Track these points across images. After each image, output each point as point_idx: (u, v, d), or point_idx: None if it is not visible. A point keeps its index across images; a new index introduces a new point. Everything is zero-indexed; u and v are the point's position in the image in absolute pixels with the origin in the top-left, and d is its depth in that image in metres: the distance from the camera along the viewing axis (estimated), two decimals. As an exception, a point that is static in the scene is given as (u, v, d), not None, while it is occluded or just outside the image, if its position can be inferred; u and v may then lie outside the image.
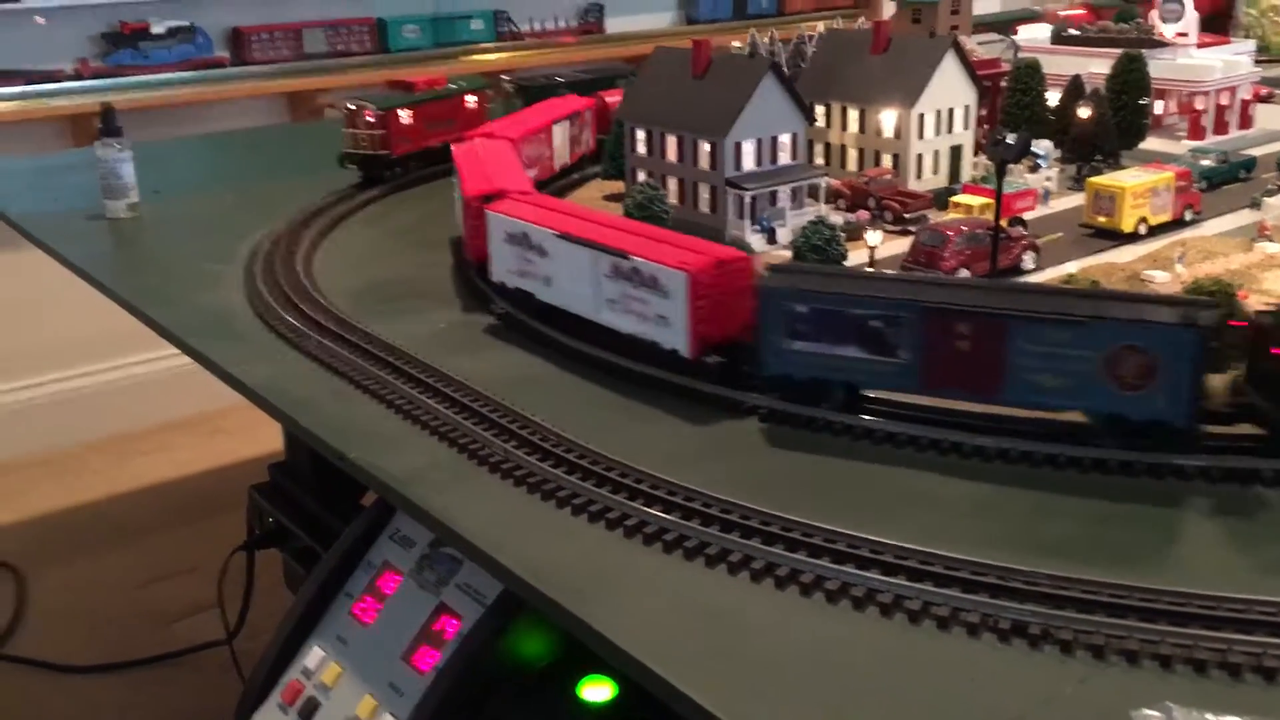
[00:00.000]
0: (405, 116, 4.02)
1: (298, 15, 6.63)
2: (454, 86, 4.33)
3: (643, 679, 1.56)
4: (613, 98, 4.20)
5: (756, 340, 2.19)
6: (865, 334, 2.09)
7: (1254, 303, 2.41)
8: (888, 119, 3.52)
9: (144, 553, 5.34)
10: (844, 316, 2.10)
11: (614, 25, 7.64)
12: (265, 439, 5.10)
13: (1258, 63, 4.80)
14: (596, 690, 2.17)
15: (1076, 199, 3.51)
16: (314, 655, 2.41)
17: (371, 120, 3.96)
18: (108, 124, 3.80)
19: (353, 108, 3.98)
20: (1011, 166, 3.53)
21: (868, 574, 1.69)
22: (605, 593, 1.72)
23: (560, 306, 2.57)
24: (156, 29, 6.16)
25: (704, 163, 3.25)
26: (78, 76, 6.00)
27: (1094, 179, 3.31)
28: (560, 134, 3.76)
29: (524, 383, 2.42)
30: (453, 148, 3.28)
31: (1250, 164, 3.87)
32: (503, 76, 4.65)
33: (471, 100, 4.31)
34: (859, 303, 2.09)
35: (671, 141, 3.35)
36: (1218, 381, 2.02)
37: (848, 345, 2.11)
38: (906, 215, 3.33)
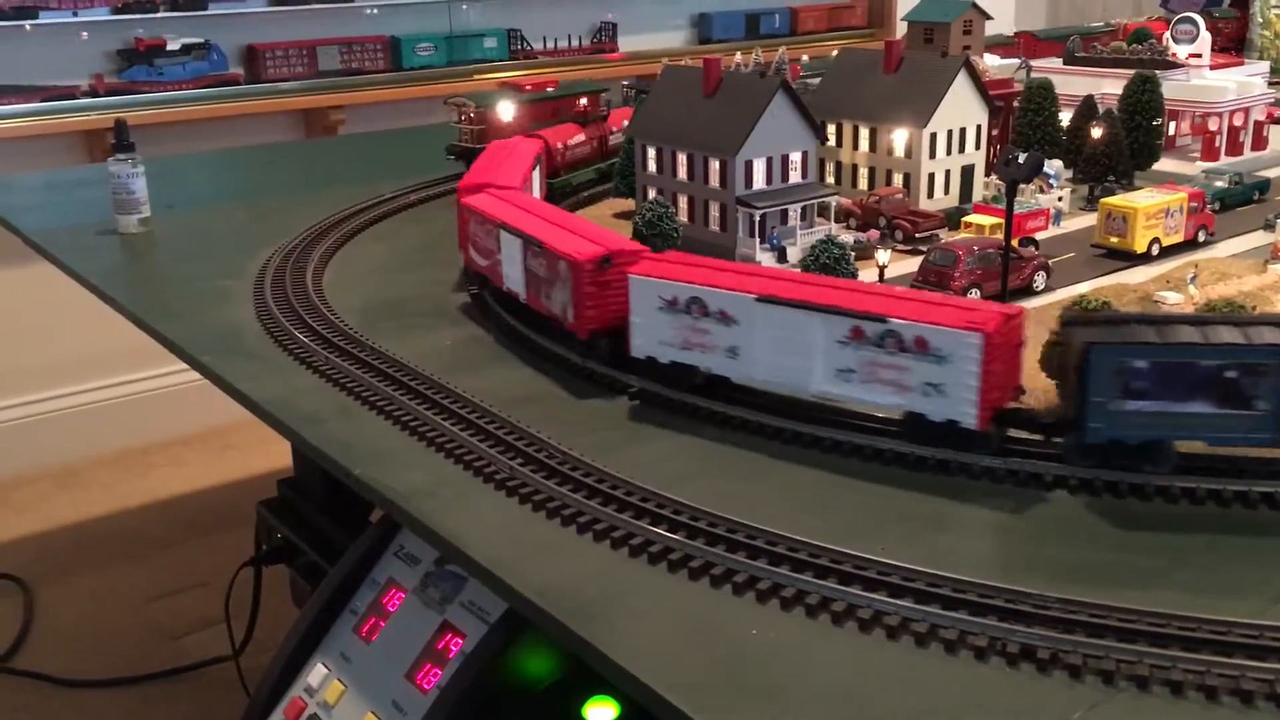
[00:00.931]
0: (504, 114, 4.14)
1: (312, 33, 6.66)
2: (563, 88, 4.41)
3: (647, 701, 1.54)
4: (555, 137, 4.05)
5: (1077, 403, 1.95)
6: (1217, 386, 1.89)
7: None
8: (899, 138, 3.51)
9: (152, 567, 5.34)
10: (1195, 369, 1.89)
11: (626, 44, 7.65)
12: (274, 455, 5.10)
13: (1271, 84, 4.78)
14: (601, 711, 2.15)
15: (1088, 219, 3.50)
16: (317, 673, 2.39)
17: (471, 116, 4.17)
18: (120, 139, 3.81)
19: (459, 104, 4.21)
20: (1023, 186, 3.52)
21: (875, 596, 1.67)
22: (610, 612, 1.70)
23: (747, 382, 2.27)
24: (172, 46, 6.19)
25: (714, 181, 3.25)
26: (93, 93, 6.04)
27: (1106, 199, 3.30)
28: (535, 179, 3.76)
29: (530, 400, 2.41)
30: (464, 200, 3.00)
31: (1264, 185, 3.85)
32: (624, 81, 4.64)
33: (584, 102, 4.33)
34: (1214, 353, 1.89)
35: (682, 159, 3.34)
36: None
37: (1195, 400, 1.91)
38: (917, 234, 3.32)
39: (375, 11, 6.83)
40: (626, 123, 4.05)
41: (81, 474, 6.24)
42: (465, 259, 3.03)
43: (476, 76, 7.01)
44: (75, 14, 5.96)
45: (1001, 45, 5.60)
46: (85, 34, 6.06)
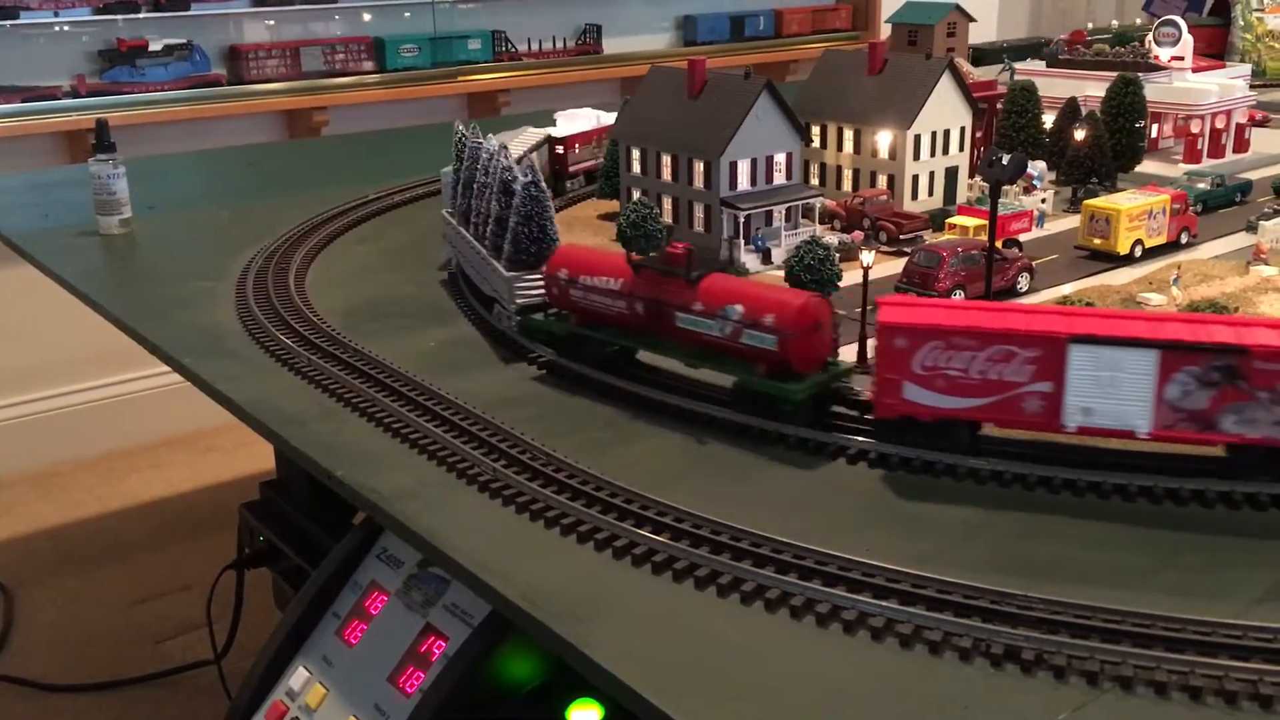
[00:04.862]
0: None
1: (296, 34, 6.64)
2: None
3: (631, 704, 1.53)
4: None
5: None
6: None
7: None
8: (883, 140, 3.51)
9: (135, 571, 5.30)
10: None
11: (611, 46, 7.64)
12: (258, 457, 5.08)
13: (1253, 87, 4.81)
14: (584, 714, 2.14)
15: (1071, 221, 3.51)
16: (299, 676, 2.38)
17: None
18: (101, 139, 3.79)
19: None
20: (1006, 188, 3.53)
21: (859, 597, 1.67)
22: (594, 615, 1.69)
23: None
24: (154, 46, 6.16)
25: (699, 182, 3.25)
26: (75, 93, 6.00)
27: (1090, 201, 3.31)
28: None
29: (513, 402, 2.40)
30: (912, 321, 2.06)
31: (1246, 187, 3.86)
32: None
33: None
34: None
35: (666, 161, 3.34)
36: None
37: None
38: (902, 236, 3.32)
39: (367, 19, 6.80)
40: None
41: (63, 477, 6.20)
42: (883, 404, 2.10)
43: (461, 78, 7.00)
44: (56, 14, 5.92)
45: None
46: (65, 36, 6.02)
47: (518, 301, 2.66)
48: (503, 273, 2.68)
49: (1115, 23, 6.24)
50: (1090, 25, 5.83)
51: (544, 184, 2.66)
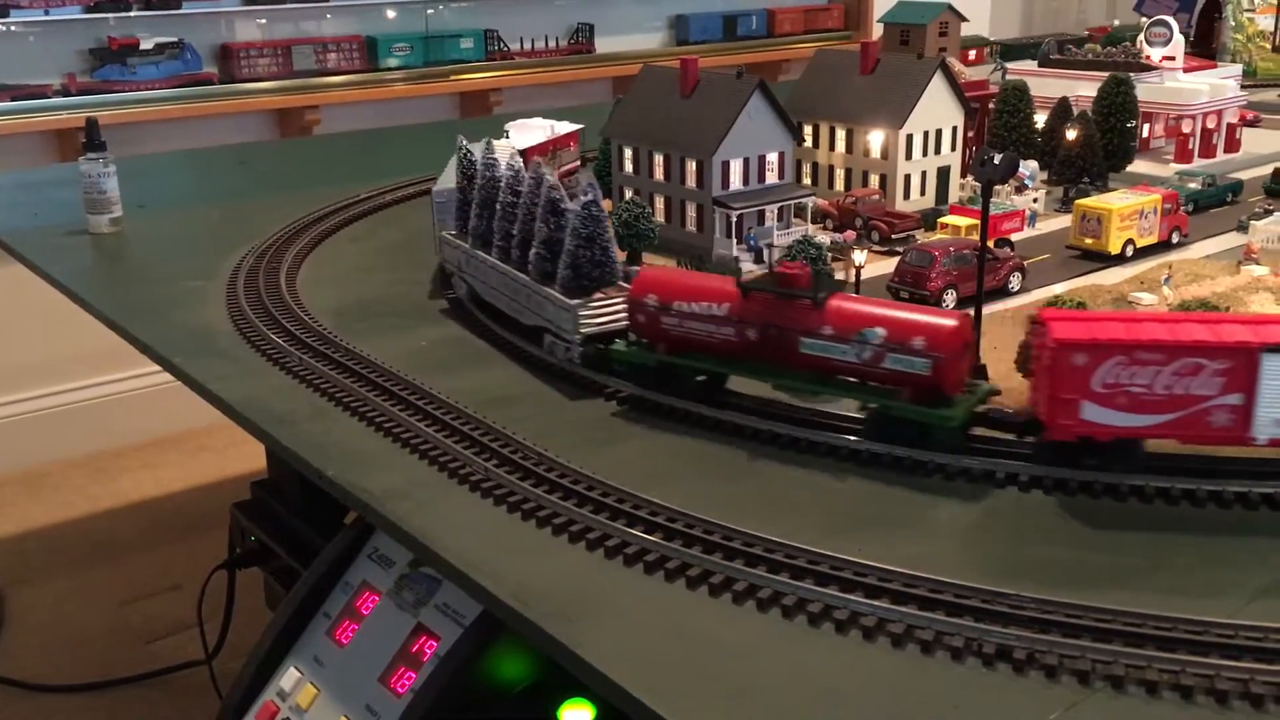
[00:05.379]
0: None
1: (287, 32, 6.63)
2: None
3: (622, 704, 1.53)
4: None
5: None
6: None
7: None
8: (875, 139, 3.52)
9: (126, 571, 5.28)
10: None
11: (604, 45, 7.64)
12: (250, 456, 5.07)
13: (1244, 87, 4.82)
14: (576, 714, 2.14)
15: (1063, 221, 3.51)
16: (290, 677, 2.37)
17: None
18: (91, 138, 3.78)
19: None
20: (998, 188, 3.53)
21: (851, 597, 1.67)
22: (586, 615, 1.69)
23: None
24: (145, 45, 6.14)
25: (691, 181, 3.25)
26: (65, 92, 5.98)
27: (1081, 201, 3.31)
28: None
29: (505, 401, 2.39)
30: (1085, 336, 1.96)
31: (1237, 187, 3.87)
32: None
33: None
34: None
35: (659, 160, 3.34)
36: None
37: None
38: (894, 235, 3.32)
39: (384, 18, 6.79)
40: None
41: (53, 477, 6.18)
42: (1059, 426, 1.98)
43: (453, 78, 6.99)
44: (47, 13, 5.90)
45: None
46: (56, 35, 6.00)
47: (583, 331, 2.46)
48: (562, 300, 2.46)
49: (1142, 19, 6.27)
50: (1115, 23, 5.86)
51: (603, 202, 2.46)
